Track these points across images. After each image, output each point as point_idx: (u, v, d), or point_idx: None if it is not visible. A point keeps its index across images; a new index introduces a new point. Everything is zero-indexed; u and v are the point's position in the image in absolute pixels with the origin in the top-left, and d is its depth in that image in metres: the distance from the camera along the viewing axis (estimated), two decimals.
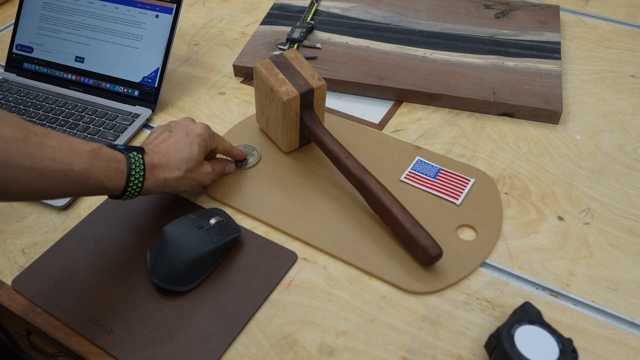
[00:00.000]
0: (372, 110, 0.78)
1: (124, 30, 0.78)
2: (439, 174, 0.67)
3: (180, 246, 0.55)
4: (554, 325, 0.53)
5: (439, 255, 0.55)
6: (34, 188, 0.48)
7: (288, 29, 0.89)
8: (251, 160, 0.69)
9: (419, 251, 0.56)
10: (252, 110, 0.79)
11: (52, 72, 0.82)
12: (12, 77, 0.84)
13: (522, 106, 0.74)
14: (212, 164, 0.64)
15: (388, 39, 0.87)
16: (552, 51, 0.83)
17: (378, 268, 0.58)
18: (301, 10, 0.93)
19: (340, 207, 0.64)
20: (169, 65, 0.86)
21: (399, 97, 0.79)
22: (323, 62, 0.82)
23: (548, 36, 0.86)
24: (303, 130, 0.68)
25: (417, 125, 0.75)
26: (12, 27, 0.94)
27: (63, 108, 0.78)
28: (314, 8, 0.93)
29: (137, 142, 0.75)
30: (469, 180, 0.66)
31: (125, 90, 0.79)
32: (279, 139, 0.70)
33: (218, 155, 0.68)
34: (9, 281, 0.59)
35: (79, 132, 0.74)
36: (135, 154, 0.55)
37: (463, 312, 0.55)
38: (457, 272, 0.57)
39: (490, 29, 0.88)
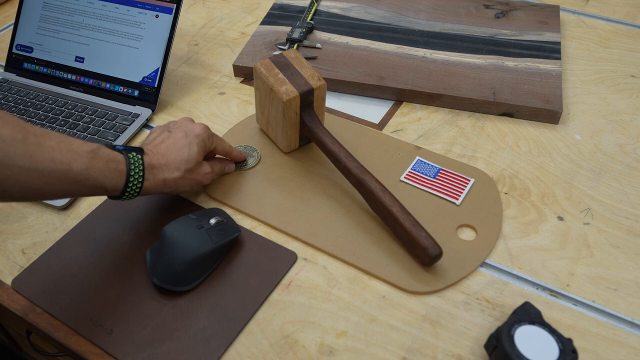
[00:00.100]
0: (372, 110, 0.78)
1: (124, 30, 0.78)
2: (439, 174, 0.67)
3: (180, 246, 0.55)
4: (554, 325, 0.53)
5: (439, 255, 0.55)
6: (34, 188, 0.48)
7: (288, 29, 0.89)
8: (251, 161, 0.69)
9: (419, 251, 0.56)
10: (252, 110, 0.79)
11: (52, 72, 0.82)
12: (12, 77, 0.84)
13: (522, 106, 0.74)
14: (212, 164, 0.64)
15: (388, 39, 0.87)
16: (552, 51, 0.83)
17: (378, 268, 0.58)
18: (301, 10, 0.93)
19: (340, 207, 0.64)
20: (169, 65, 0.86)
21: (399, 97, 0.79)
22: (323, 62, 0.82)
23: (548, 36, 0.86)
24: (303, 130, 0.68)
25: (417, 125, 0.75)
26: (12, 27, 0.94)
27: (63, 108, 0.78)
28: (314, 8, 0.93)
29: (136, 142, 0.75)
30: (469, 180, 0.66)
31: (125, 90, 0.79)
32: (279, 139, 0.70)
33: (217, 156, 0.68)
34: (9, 281, 0.59)
35: (78, 132, 0.74)
36: (134, 154, 0.55)
37: (463, 312, 0.55)
38: (457, 272, 0.57)
39: (490, 29, 0.88)
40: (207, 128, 0.62)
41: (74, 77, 0.81)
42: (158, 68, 0.77)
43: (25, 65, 0.84)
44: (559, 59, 0.81)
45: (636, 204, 0.64)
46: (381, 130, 0.75)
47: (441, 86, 0.77)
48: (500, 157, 0.70)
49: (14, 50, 0.85)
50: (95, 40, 0.80)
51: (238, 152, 0.67)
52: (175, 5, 0.76)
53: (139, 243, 0.61)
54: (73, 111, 0.77)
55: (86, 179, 0.50)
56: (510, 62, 0.81)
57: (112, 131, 0.74)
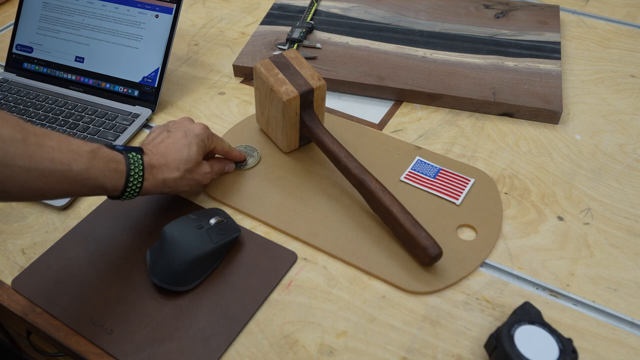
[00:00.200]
0: (372, 110, 0.78)
1: (124, 30, 0.78)
2: (439, 174, 0.67)
3: (180, 246, 0.55)
4: (554, 325, 0.53)
5: (439, 255, 0.55)
6: (34, 188, 0.48)
7: (288, 29, 0.89)
8: (251, 162, 0.69)
9: (419, 251, 0.56)
10: (252, 110, 0.79)
11: (52, 72, 0.82)
12: (12, 77, 0.84)
13: (522, 106, 0.74)
14: (211, 164, 0.64)
15: (388, 39, 0.87)
16: (552, 51, 0.83)
17: (378, 268, 0.58)
18: (301, 10, 0.93)
19: (340, 207, 0.64)
20: (169, 65, 0.86)
21: (399, 97, 0.79)
22: (323, 62, 0.82)
23: (548, 36, 0.86)
24: (303, 130, 0.68)
25: (417, 125, 0.75)
26: (12, 27, 0.94)
27: (63, 108, 0.78)
28: (313, 8, 0.93)
29: (136, 142, 0.75)
30: (469, 180, 0.66)
31: (125, 90, 0.79)
32: (279, 139, 0.70)
33: (217, 155, 0.68)
34: (9, 281, 0.59)
35: (78, 132, 0.74)
36: (134, 154, 0.55)
37: (463, 312, 0.55)
38: (457, 272, 0.57)
39: (490, 29, 0.88)
40: (206, 128, 0.62)
41: (74, 77, 0.81)
42: (158, 68, 0.77)
43: (25, 65, 0.84)
44: (559, 59, 0.81)
45: (636, 204, 0.64)
46: (381, 130, 0.75)
47: (441, 86, 0.77)
48: (500, 157, 0.70)
49: (14, 50, 0.85)
50: (95, 40, 0.80)
51: (238, 152, 0.67)
52: (175, 5, 0.76)
53: (139, 243, 0.61)
54: (73, 111, 0.77)
55: (86, 179, 0.50)
56: (510, 62, 0.81)
57: (112, 131, 0.74)
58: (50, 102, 0.79)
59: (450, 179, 0.66)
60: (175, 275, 0.55)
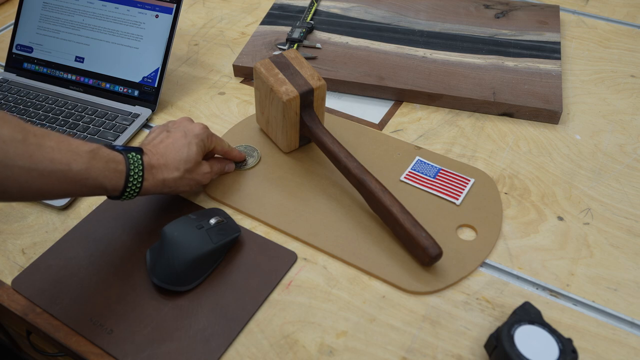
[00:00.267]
0: (372, 110, 0.78)
1: (124, 30, 0.78)
2: (439, 174, 0.67)
3: (180, 246, 0.55)
4: (554, 325, 0.53)
5: (439, 255, 0.55)
6: (33, 188, 0.48)
7: (288, 29, 0.89)
8: (251, 162, 0.69)
9: (419, 251, 0.56)
10: (252, 110, 0.79)
11: (52, 72, 0.82)
12: (12, 77, 0.84)
13: (522, 106, 0.74)
14: (211, 164, 0.64)
15: (388, 39, 0.87)
16: (552, 51, 0.83)
17: (378, 268, 0.58)
18: (301, 10, 0.93)
19: (340, 207, 0.64)
20: (169, 65, 0.86)
21: (399, 97, 0.79)
22: (323, 62, 0.82)
23: (548, 36, 0.86)
24: (303, 130, 0.68)
25: (417, 125, 0.75)
26: (12, 27, 0.94)
27: (63, 108, 0.78)
28: (313, 8, 0.93)
29: (136, 142, 0.75)
30: (469, 180, 0.66)
31: (125, 90, 0.79)
32: (279, 139, 0.70)
33: (216, 155, 0.68)
34: (9, 281, 0.59)
35: (78, 132, 0.74)
36: (133, 154, 0.55)
37: (463, 312, 0.55)
38: (457, 272, 0.57)
39: (490, 29, 0.88)
40: (206, 128, 0.62)
41: (74, 77, 0.81)
42: (158, 68, 0.77)
43: (25, 65, 0.84)
44: (559, 59, 0.81)
45: (636, 204, 0.64)
46: (381, 130, 0.75)
47: (441, 86, 0.77)
48: (500, 157, 0.70)
49: (14, 50, 0.85)
50: (95, 40, 0.80)
51: (237, 151, 0.67)
52: (175, 5, 0.76)
53: (139, 243, 0.61)
54: (73, 111, 0.77)
55: (86, 179, 0.50)
56: (510, 62, 0.81)
57: (112, 131, 0.74)
58: (50, 102, 0.79)
59: (450, 179, 0.66)
60: (175, 275, 0.55)
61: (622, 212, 0.64)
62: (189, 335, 0.53)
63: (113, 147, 0.55)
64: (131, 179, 0.54)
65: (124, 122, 0.75)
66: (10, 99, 0.80)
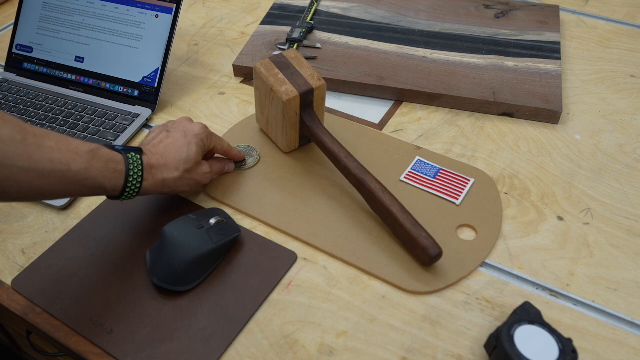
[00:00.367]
0: (372, 110, 0.78)
1: (124, 30, 0.78)
2: (439, 174, 0.67)
3: (180, 246, 0.55)
4: (554, 325, 0.53)
5: (439, 255, 0.55)
6: (33, 188, 0.48)
7: (288, 29, 0.89)
8: (250, 161, 0.69)
9: (419, 251, 0.56)
10: (252, 110, 0.79)
11: (52, 72, 0.82)
12: (12, 77, 0.84)
13: (522, 106, 0.74)
14: (211, 164, 0.64)
15: (388, 39, 0.87)
16: (552, 51, 0.83)
17: (378, 268, 0.58)
18: (301, 10, 0.93)
19: (340, 207, 0.64)
20: (169, 65, 0.86)
21: (399, 97, 0.79)
22: (323, 62, 0.82)
23: (548, 36, 0.86)
24: (303, 130, 0.68)
25: (417, 125, 0.75)
26: (12, 27, 0.94)
27: (63, 108, 0.78)
28: (314, 8, 0.93)
29: (136, 142, 0.75)
30: (469, 180, 0.66)
31: (125, 90, 0.79)
32: (278, 139, 0.70)
33: (216, 155, 0.68)
34: (9, 281, 0.59)
35: (78, 132, 0.74)
36: (133, 154, 0.55)
37: (463, 312, 0.55)
38: (457, 272, 0.57)
39: (490, 29, 0.88)
40: (205, 127, 0.62)
41: (74, 77, 0.81)
42: (158, 68, 0.77)
43: (25, 65, 0.84)
44: (559, 59, 0.81)
45: (636, 204, 0.64)
46: (381, 130, 0.75)
47: (441, 86, 0.77)
48: (500, 157, 0.70)
49: (14, 50, 0.85)
50: (95, 40, 0.80)
51: (237, 151, 0.67)
52: (175, 5, 0.76)
53: (139, 243, 0.61)
54: (73, 111, 0.77)
55: (85, 179, 0.50)
56: (510, 62, 0.81)
57: (112, 131, 0.74)
58: (50, 102, 0.79)
59: (450, 179, 0.66)
60: (175, 275, 0.55)
61: (622, 212, 0.64)
62: (189, 335, 0.53)
63: (113, 147, 0.55)
64: (131, 179, 0.54)
65: (124, 122, 0.75)
66: (10, 99, 0.80)
